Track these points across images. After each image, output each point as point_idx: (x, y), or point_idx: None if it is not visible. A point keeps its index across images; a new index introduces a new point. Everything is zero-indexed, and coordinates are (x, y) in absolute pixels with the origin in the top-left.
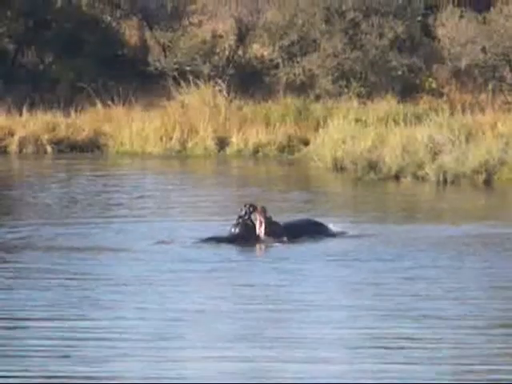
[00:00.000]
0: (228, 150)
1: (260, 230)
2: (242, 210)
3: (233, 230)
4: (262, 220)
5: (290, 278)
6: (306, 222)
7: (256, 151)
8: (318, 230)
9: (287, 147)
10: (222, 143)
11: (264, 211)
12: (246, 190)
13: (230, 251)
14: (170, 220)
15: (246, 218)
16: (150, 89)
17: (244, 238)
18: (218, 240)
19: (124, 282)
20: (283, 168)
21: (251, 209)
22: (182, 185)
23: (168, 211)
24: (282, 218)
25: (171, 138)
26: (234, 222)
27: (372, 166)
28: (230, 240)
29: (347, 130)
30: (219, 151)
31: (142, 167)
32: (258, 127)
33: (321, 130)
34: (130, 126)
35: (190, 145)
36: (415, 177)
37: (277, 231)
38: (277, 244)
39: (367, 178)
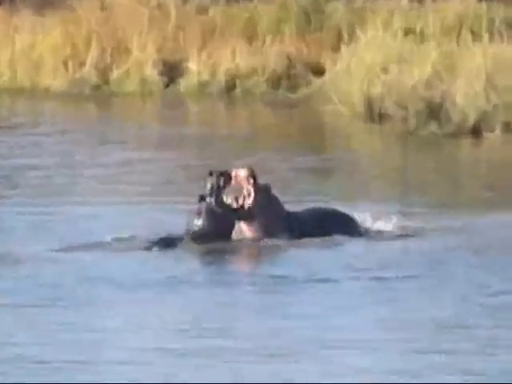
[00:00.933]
0: (182, 84)
1: (245, 211)
2: (205, 182)
3: (195, 221)
4: (251, 190)
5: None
6: (322, 212)
7: (231, 86)
8: (343, 226)
9: (285, 79)
10: (172, 72)
11: (252, 175)
12: (215, 156)
13: (190, 261)
14: (87, 205)
15: (214, 197)
16: None
17: (214, 232)
18: (167, 242)
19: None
20: (279, 116)
21: (222, 179)
22: (102, 146)
23: (83, 191)
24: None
25: (83, 64)
26: (196, 206)
27: (434, 112)
28: (192, 238)
29: (390, 49)
30: (166, 86)
31: (31, 115)
32: (234, 43)
33: (344, 49)
34: (12, 42)
35: (115, 75)
36: (508, 129)
37: (275, 216)
38: (272, 242)
39: (425, 133)
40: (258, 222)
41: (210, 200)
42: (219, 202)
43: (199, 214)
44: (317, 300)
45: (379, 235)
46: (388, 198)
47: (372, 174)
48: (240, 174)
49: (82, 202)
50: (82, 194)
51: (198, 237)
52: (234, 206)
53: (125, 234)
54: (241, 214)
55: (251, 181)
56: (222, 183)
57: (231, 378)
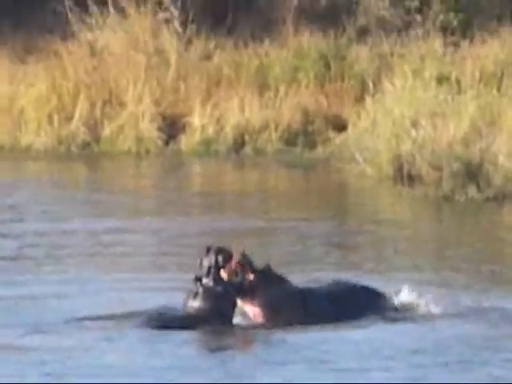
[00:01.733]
0: (183, 142)
1: (245, 298)
2: (202, 260)
3: (190, 302)
4: (249, 275)
5: None
6: (345, 287)
7: (239, 143)
8: (371, 303)
9: (302, 135)
10: (172, 128)
11: (245, 258)
12: (219, 226)
13: (187, 350)
14: (74, 283)
15: (211, 276)
16: (30, 18)
17: (212, 316)
18: (162, 325)
19: None
20: (295, 178)
21: (220, 256)
22: (91, 214)
23: (69, 267)
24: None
25: (70, 118)
26: (192, 287)
27: (472, 174)
28: (187, 323)
29: (422, 100)
30: (166, 144)
31: (11, 180)
32: (243, 94)
33: (369, 101)
34: None
35: (106, 131)
36: None
37: (281, 299)
38: (279, 325)
39: (462, 198)
40: (261, 303)
41: (207, 280)
42: (217, 279)
43: (195, 295)
44: None
45: (410, 314)
46: (420, 273)
47: (401, 246)
48: (235, 253)
49: (59, 280)
50: (62, 269)
51: (195, 320)
52: (234, 280)
53: (110, 314)
54: (242, 288)
55: (245, 262)
56: (220, 261)
57: None
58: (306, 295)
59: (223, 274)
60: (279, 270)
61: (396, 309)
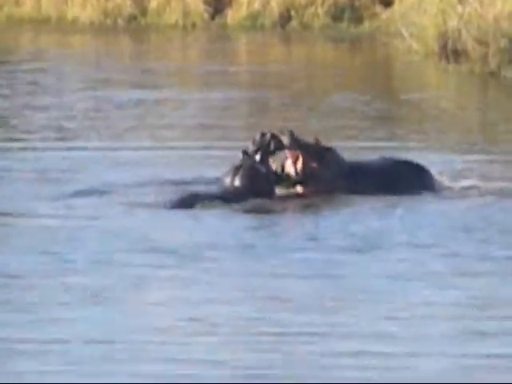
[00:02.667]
0: (230, 16)
1: (294, 173)
2: (254, 140)
3: (227, 179)
4: (298, 155)
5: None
6: (393, 163)
7: (285, 18)
8: (418, 182)
9: (348, 10)
10: (219, 2)
11: (293, 138)
12: (266, 100)
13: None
14: (109, 149)
15: (260, 156)
16: None
17: (252, 193)
18: (200, 199)
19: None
20: (341, 53)
21: (273, 142)
22: (137, 85)
23: (108, 133)
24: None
25: None
26: (233, 164)
27: None
28: (225, 199)
29: None
30: (212, 18)
31: (59, 51)
32: None
33: None
34: None
35: (153, 4)
36: None
37: (330, 174)
38: (327, 198)
39: (509, 75)
40: (311, 185)
41: (255, 158)
42: (265, 161)
43: (237, 170)
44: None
45: (455, 193)
46: (465, 149)
47: (447, 121)
48: (284, 136)
49: (103, 147)
50: (107, 136)
51: (231, 198)
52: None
53: (149, 187)
54: (293, 180)
55: (292, 144)
56: (272, 146)
57: None
58: (355, 170)
59: (296, 167)
60: (328, 141)
61: (440, 186)
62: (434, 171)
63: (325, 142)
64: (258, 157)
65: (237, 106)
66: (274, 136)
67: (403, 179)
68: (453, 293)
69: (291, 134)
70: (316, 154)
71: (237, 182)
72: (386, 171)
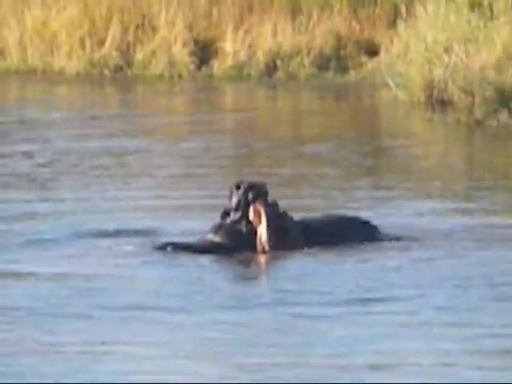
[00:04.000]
0: (216, 67)
1: (260, 231)
2: (232, 194)
3: (211, 235)
4: (262, 213)
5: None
6: (341, 220)
7: (271, 68)
8: (366, 235)
9: (334, 60)
10: (205, 52)
11: (264, 195)
12: (250, 150)
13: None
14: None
15: (240, 212)
16: None
17: (229, 247)
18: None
19: None
20: (327, 103)
21: (251, 192)
22: (122, 135)
23: (92, 185)
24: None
25: (102, 42)
26: (216, 221)
27: (504, 100)
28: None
29: (455, 26)
30: (198, 68)
31: (47, 104)
32: (275, 19)
33: (401, 26)
34: (22, 19)
35: (139, 55)
36: None
37: (290, 230)
38: (291, 255)
39: (494, 124)
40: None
41: (235, 216)
42: (245, 216)
43: (216, 231)
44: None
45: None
46: (447, 198)
47: (433, 171)
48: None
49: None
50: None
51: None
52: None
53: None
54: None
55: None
56: (250, 198)
57: None
58: (308, 226)
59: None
60: (311, 191)
61: (389, 239)
62: (378, 227)
63: (306, 191)
64: (237, 215)
65: (219, 153)
66: (250, 186)
67: (351, 233)
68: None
69: (263, 191)
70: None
71: (217, 243)
72: (335, 227)
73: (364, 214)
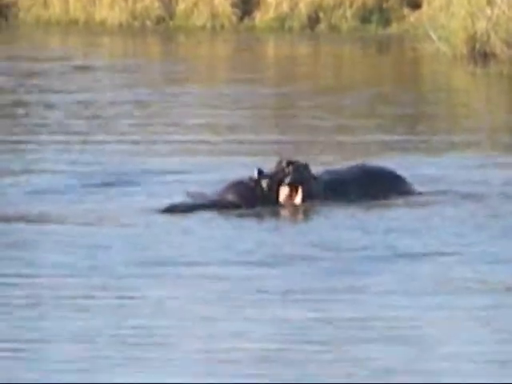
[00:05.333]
0: (258, 18)
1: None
2: (277, 164)
3: (223, 192)
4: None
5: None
6: (366, 170)
7: (314, 20)
8: (396, 189)
9: (377, 12)
10: (247, 3)
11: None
12: (291, 103)
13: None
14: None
15: (271, 183)
16: None
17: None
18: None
19: None
20: (369, 55)
21: (289, 169)
22: (166, 85)
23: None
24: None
25: None
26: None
27: None
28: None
29: None
30: (240, 20)
31: (87, 54)
32: None
33: None
34: None
35: (181, 6)
36: None
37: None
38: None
39: None
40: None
41: (266, 183)
42: (274, 192)
43: (232, 188)
44: None
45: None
46: (488, 150)
47: (475, 123)
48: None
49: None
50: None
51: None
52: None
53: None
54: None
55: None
56: (287, 181)
57: None
58: (331, 181)
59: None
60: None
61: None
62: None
63: (352, 138)
64: (265, 184)
65: (263, 102)
66: (289, 163)
67: (379, 186)
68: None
69: (297, 169)
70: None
71: (229, 197)
72: (362, 179)
73: (399, 165)
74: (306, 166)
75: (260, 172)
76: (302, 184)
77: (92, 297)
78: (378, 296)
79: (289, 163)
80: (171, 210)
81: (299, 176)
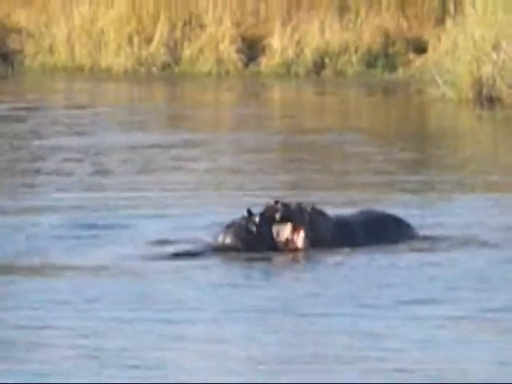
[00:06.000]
0: (263, 64)
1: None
2: (265, 206)
3: (221, 237)
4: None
5: None
6: (376, 217)
7: (319, 65)
8: (399, 232)
9: (382, 57)
10: (252, 49)
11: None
12: (302, 146)
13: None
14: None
15: (263, 222)
16: None
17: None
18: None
19: None
20: (375, 100)
21: (282, 211)
22: (170, 130)
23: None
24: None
25: (150, 40)
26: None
27: None
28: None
29: (503, 23)
30: (246, 65)
31: (93, 101)
32: (323, 16)
33: (449, 23)
34: (70, 16)
35: (187, 52)
36: None
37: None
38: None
39: None
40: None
41: (256, 220)
42: (266, 226)
43: (231, 228)
44: None
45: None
46: (496, 194)
47: (482, 167)
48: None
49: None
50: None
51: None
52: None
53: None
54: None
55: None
56: (278, 216)
57: None
58: (340, 223)
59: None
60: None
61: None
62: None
63: (356, 186)
64: (257, 219)
65: (266, 149)
66: (284, 205)
67: (386, 231)
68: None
69: (299, 208)
70: (311, 221)
71: (229, 242)
72: (369, 224)
73: (410, 211)
74: (298, 205)
75: (249, 212)
76: (291, 220)
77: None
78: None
79: (276, 201)
80: (176, 256)
81: (289, 212)
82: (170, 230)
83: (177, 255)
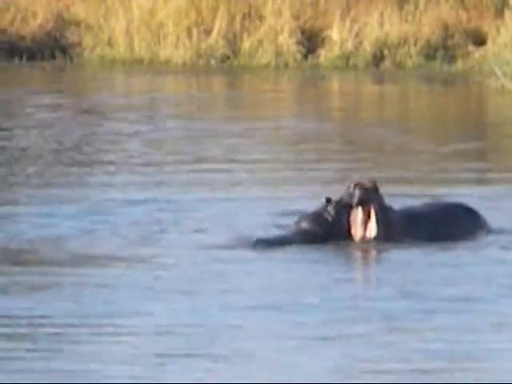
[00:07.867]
0: (322, 56)
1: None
2: (347, 190)
3: (303, 224)
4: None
5: None
6: (445, 209)
7: (378, 57)
8: (471, 225)
9: (441, 49)
10: (311, 41)
11: (374, 190)
12: (362, 141)
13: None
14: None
15: (337, 208)
16: None
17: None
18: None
19: None
20: (434, 92)
21: (358, 194)
22: (228, 121)
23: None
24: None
25: (209, 32)
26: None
27: None
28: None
29: None
30: (305, 57)
31: (152, 94)
32: (382, 8)
33: (509, 15)
34: (129, 9)
35: (246, 45)
36: None
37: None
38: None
39: None
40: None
41: (333, 207)
42: (342, 212)
43: (310, 219)
44: None
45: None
46: None
47: None
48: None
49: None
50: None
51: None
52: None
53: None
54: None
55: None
56: (355, 199)
57: None
58: (409, 217)
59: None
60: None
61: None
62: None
63: (417, 174)
64: (332, 207)
65: (329, 138)
66: (365, 189)
67: (456, 223)
68: None
69: (366, 189)
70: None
71: (308, 230)
72: (438, 216)
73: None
74: (374, 184)
75: (328, 200)
76: (371, 204)
77: None
78: None
79: (356, 184)
80: (260, 244)
81: (366, 195)
82: (251, 217)
83: (259, 242)
